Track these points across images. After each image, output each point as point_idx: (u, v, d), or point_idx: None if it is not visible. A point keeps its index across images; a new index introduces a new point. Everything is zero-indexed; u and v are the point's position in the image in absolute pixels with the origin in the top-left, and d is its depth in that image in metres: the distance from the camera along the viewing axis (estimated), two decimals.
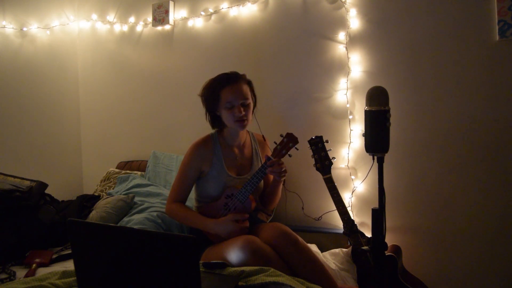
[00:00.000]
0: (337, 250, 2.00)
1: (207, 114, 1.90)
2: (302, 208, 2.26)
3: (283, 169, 1.74)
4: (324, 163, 1.79)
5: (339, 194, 1.78)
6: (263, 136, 2.00)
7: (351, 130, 2.21)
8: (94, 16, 3.07)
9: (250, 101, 1.83)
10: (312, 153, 1.82)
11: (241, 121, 1.79)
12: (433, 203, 2.08)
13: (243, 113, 1.78)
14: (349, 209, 2.11)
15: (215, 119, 1.90)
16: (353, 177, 2.22)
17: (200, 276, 1.05)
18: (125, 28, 2.96)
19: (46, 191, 2.25)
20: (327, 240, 2.14)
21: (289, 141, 1.73)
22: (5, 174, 2.24)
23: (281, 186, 1.92)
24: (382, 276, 1.29)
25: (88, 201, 2.40)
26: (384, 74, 2.15)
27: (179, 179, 1.88)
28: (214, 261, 1.52)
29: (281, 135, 1.75)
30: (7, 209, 1.97)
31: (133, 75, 2.97)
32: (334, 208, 1.77)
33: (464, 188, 2.02)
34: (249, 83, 1.87)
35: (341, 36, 2.22)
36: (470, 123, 1.99)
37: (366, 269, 1.83)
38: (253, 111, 1.91)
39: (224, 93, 1.79)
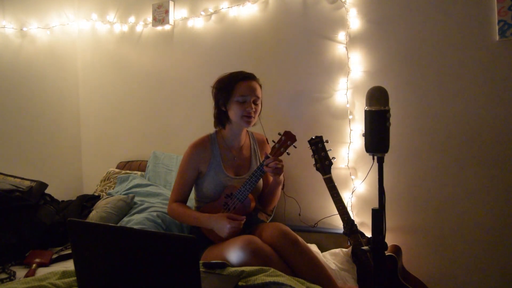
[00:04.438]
0: (337, 250, 2.00)
1: (215, 109, 1.90)
2: (299, 214, 2.26)
3: (278, 166, 1.72)
4: (324, 163, 1.80)
5: (339, 194, 1.78)
6: (266, 139, 2.00)
7: (351, 130, 2.21)
8: (94, 16, 3.07)
9: (260, 101, 1.86)
10: (312, 153, 1.82)
11: (249, 117, 1.80)
12: (433, 203, 2.08)
13: (253, 109, 1.79)
14: (349, 209, 2.11)
15: (220, 115, 1.89)
16: (353, 177, 2.22)
17: (200, 276, 1.05)
18: (125, 28, 2.96)
19: (46, 191, 2.25)
20: (327, 240, 2.14)
21: (287, 139, 1.74)
22: (5, 174, 2.24)
23: (279, 188, 1.91)
24: (382, 276, 1.29)
25: (88, 201, 2.40)
26: (384, 74, 2.15)
27: (178, 180, 1.89)
28: (214, 261, 1.52)
29: (279, 133, 1.76)
30: (7, 209, 1.97)
31: (133, 75, 2.97)
32: (332, 212, 1.76)
33: (464, 188, 2.02)
34: (260, 87, 1.89)
35: (341, 36, 2.22)
36: (470, 122, 1.99)
37: (366, 269, 1.83)
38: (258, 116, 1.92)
39: (239, 86, 1.80)
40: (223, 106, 1.86)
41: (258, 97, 1.83)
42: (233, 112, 1.82)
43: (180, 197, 1.88)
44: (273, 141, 1.77)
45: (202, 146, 1.88)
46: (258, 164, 1.90)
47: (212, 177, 1.84)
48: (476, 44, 1.96)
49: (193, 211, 1.84)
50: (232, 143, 1.91)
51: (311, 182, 2.29)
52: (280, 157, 1.74)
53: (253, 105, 1.80)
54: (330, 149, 1.82)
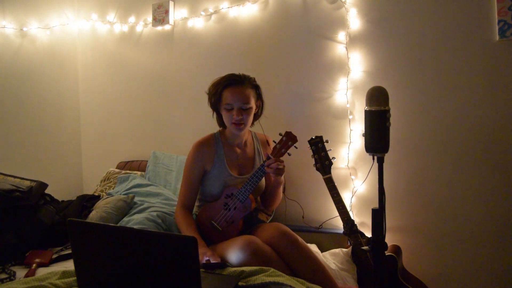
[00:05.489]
0: (337, 250, 2.00)
1: (213, 112, 1.92)
2: (303, 217, 2.25)
3: (279, 166, 1.72)
4: (324, 163, 1.80)
5: (339, 194, 1.78)
6: (266, 140, 2.00)
7: (351, 130, 2.21)
8: (94, 16, 3.07)
9: (251, 105, 1.82)
10: (312, 153, 1.82)
11: (237, 125, 1.79)
12: (433, 203, 2.08)
13: (240, 117, 1.77)
14: (349, 209, 2.11)
15: (218, 118, 1.92)
16: (353, 177, 2.22)
17: (200, 276, 1.05)
18: (125, 28, 2.96)
19: (46, 191, 2.24)
20: (327, 240, 2.14)
21: (288, 139, 1.74)
22: (5, 174, 2.24)
23: (281, 188, 1.91)
24: (382, 276, 1.29)
25: (88, 201, 2.39)
26: (384, 74, 2.15)
27: (185, 182, 1.89)
28: (214, 261, 1.52)
29: (280, 134, 1.76)
30: (7, 209, 1.96)
31: (133, 75, 2.96)
32: (335, 214, 1.76)
33: (464, 188, 2.02)
34: (256, 88, 1.87)
35: (341, 36, 2.22)
36: (470, 123, 1.99)
37: (366, 269, 1.83)
38: (258, 117, 1.92)
39: (225, 94, 1.80)
40: (217, 111, 1.88)
41: (246, 103, 1.78)
42: (224, 118, 1.84)
43: (188, 200, 1.88)
44: (274, 142, 1.77)
45: (207, 145, 1.88)
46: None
47: (216, 176, 1.85)
48: (476, 44, 1.96)
49: (187, 229, 1.78)
50: (234, 142, 1.92)
51: (312, 182, 2.28)
52: (281, 158, 1.74)
53: (241, 112, 1.78)
54: (330, 149, 1.82)
